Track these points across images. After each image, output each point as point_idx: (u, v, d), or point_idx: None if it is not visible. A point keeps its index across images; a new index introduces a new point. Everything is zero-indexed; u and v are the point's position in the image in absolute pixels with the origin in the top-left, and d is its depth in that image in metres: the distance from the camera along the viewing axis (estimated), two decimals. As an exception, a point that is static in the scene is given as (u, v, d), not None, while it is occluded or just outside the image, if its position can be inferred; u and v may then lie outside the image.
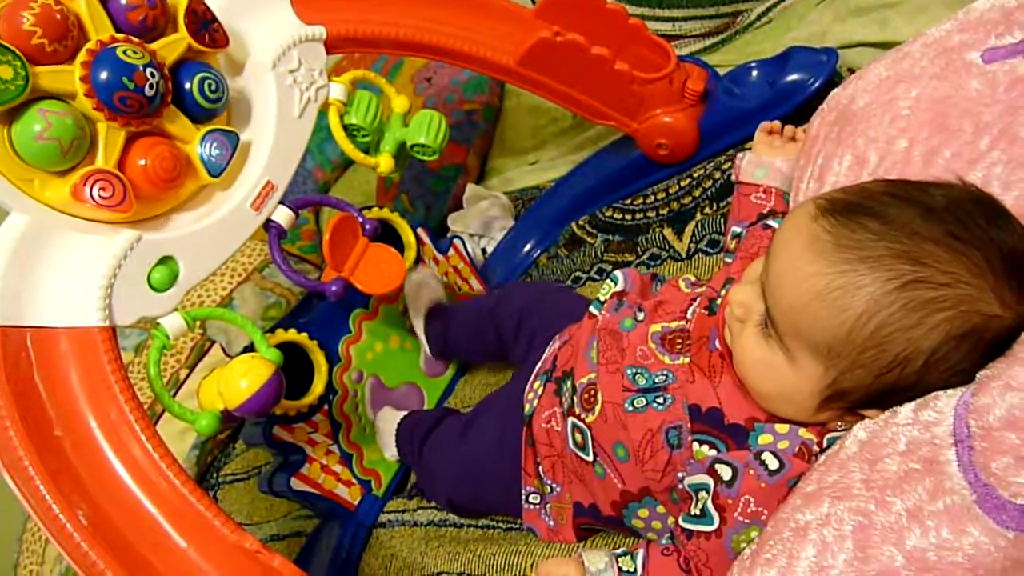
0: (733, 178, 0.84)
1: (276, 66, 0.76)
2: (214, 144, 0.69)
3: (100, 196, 0.63)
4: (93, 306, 0.62)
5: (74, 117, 0.62)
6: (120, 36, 0.63)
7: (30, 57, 0.59)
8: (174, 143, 0.68)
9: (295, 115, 0.78)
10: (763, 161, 0.81)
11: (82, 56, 0.61)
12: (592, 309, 0.76)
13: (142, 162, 0.66)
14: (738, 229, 0.80)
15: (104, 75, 0.62)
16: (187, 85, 0.68)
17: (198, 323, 0.70)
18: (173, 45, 0.68)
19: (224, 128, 0.70)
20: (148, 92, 0.64)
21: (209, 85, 0.69)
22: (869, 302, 0.50)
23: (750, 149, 0.89)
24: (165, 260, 0.67)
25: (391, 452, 0.94)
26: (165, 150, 0.67)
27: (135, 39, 0.64)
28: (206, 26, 0.70)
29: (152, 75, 0.63)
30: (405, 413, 0.95)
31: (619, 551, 0.65)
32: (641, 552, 0.63)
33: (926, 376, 0.51)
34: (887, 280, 0.50)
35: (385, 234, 0.96)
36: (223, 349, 1.29)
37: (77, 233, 0.64)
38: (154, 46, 0.66)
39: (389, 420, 0.94)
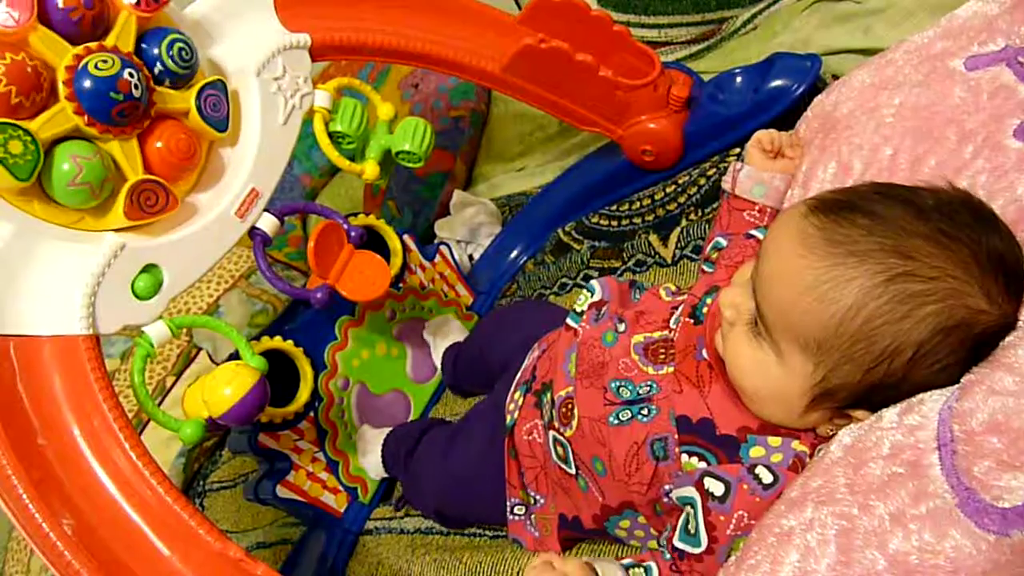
0: (727, 187, 0.80)
1: (260, 73, 0.76)
2: (209, 102, 0.70)
3: (148, 207, 0.65)
4: (77, 314, 0.62)
5: (100, 156, 0.64)
6: (79, 50, 0.62)
7: (14, 115, 0.59)
8: (177, 120, 0.69)
9: (280, 122, 0.77)
10: (762, 178, 0.77)
11: (63, 91, 0.61)
12: (570, 321, 0.75)
13: (159, 144, 0.67)
14: (722, 241, 0.77)
15: (93, 100, 0.62)
16: (156, 51, 0.67)
17: (184, 330, 0.70)
18: (125, 28, 0.66)
19: (207, 81, 0.70)
20: (136, 93, 0.64)
21: (181, 52, 0.68)
22: (858, 295, 0.50)
23: (738, 156, 0.90)
24: (149, 268, 0.67)
25: (376, 471, 0.94)
26: (176, 129, 0.68)
27: (93, 46, 0.63)
28: None
29: (131, 75, 0.63)
30: (387, 430, 0.95)
31: (627, 561, 0.63)
32: (651, 563, 0.61)
33: (914, 371, 0.51)
34: (876, 273, 0.50)
35: (372, 241, 0.95)
36: (209, 356, 1.28)
37: (61, 241, 0.64)
38: (110, 40, 0.65)
39: (370, 440, 0.94)
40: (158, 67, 0.68)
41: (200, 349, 1.31)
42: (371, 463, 0.94)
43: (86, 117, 0.62)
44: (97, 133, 0.64)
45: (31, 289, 0.62)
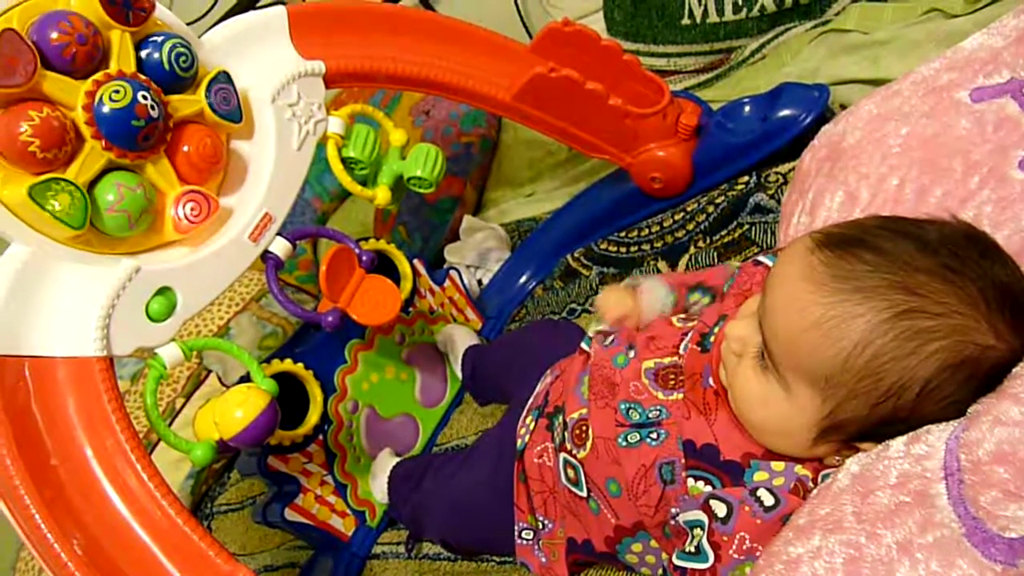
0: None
1: (276, 100, 0.77)
2: (218, 96, 0.71)
3: (192, 215, 0.68)
4: (91, 336, 0.63)
5: (144, 188, 0.66)
6: (88, 85, 0.63)
7: (49, 168, 0.61)
8: (199, 124, 0.70)
9: (294, 148, 0.79)
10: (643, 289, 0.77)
11: (87, 131, 0.63)
12: (583, 345, 0.76)
13: (186, 149, 0.69)
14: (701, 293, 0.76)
15: (117, 132, 0.63)
16: (157, 57, 0.67)
17: (195, 353, 0.71)
18: (123, 49, 0.66)
19: (212, 76, 0.71)
20: (154, 113, 0.65)
21: (180, 57, 0.68)
22: (864, 331, 0.50)
23: (746, 184, 0.91)
24: (163, 291, 0.68)
25: (381, 495, 0.95)
26: (200, 133, 0.70)
27: (100, 76, 0.64)
28: (128, 5, 0.66)
29: (145, 97, 0.64)
30: (399, 459, 0.95)
31: None
32: None
33: (921, 407, 0.51)
34: (882, 310, 0.50)
35: (382, 265, 0.96)
36: (219, 379, 1.29)
37: (77, 264, 0.65)
38: (113, 67, 0.65)
39: (386, 463, 0.95)
40: (163, 75, 0.68)
41: (210, 372, 1.32)
42: (379, 486, 0.94)
43: (116, 150, 0.64)
44: (130, 162, 0.65)
45: (47, 311, 0.63)
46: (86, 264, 0.65)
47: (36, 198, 0.59)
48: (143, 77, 0.66)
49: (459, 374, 1.04)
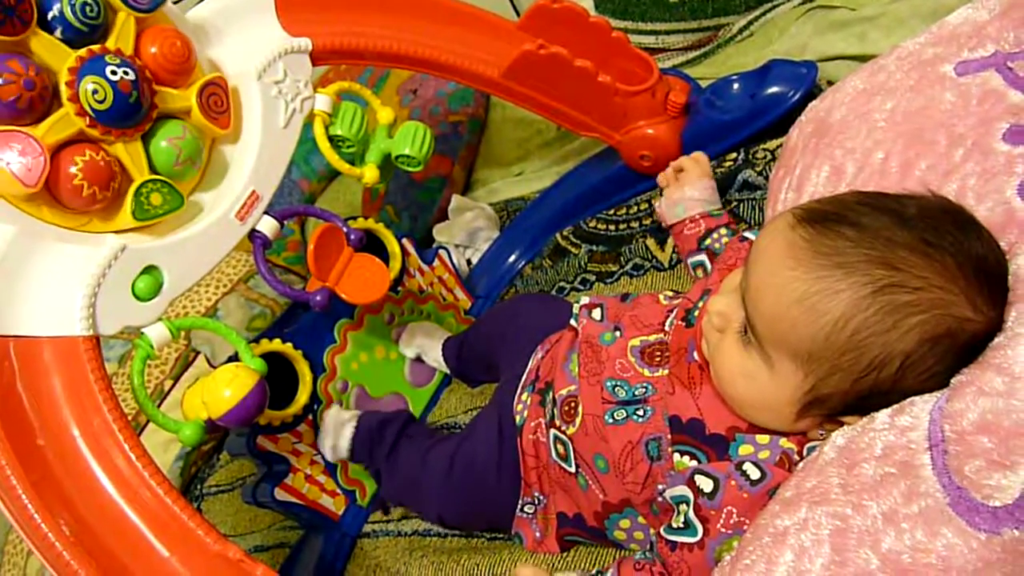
0: (662, 222, 0.90)
1: (262, 77, 0.77)
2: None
3: (215, 107, 0.70)
4: (77, 315, 0.62)
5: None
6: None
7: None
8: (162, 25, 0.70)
9: (280, 126, 0.78)
10: (675, 199, 0.87)
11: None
12: (571, 322, 0.77)
13: (153, 50, 0.68)
14: (693, 260, 0.83)
15: (119, 111, 0.64)
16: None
17: (183, 333, 0.70)
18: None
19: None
20: (130, 76, 0.64)
21: (84, 7, 0.64)
22: (846, 306, 0.51)
23: (734, 160, 0.91)
24: (150, 269, 0.67)
25: (336, 453, 0.91)
26: (167, 34, 0.69)
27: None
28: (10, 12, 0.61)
29: (127, 73, 0.64)
30: (356, 415, 0.92)
31: (593, 572, 0.66)
32: (611, 569, 0.63)
33: (902, 380, 0.51)
34: (863, 285, 0.51)
35: (370, 245, 0.96)
36: (208, 359, 1.29)
37: (62, 243, 0.64)
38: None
39: (337, 425, 0.91)
40: (59, 27, 0.63)
41: (198, 353, 1.32)
42: (333, 445, 0.91)
43: (88, 119, 0.63)
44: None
45: (32, 290, 0.62)
46: (71, 243, 0.65)
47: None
48: (137, 61, 0.66)
49: (443, 368, 1.03)
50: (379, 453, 0.88)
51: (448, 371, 1.03)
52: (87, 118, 0.63)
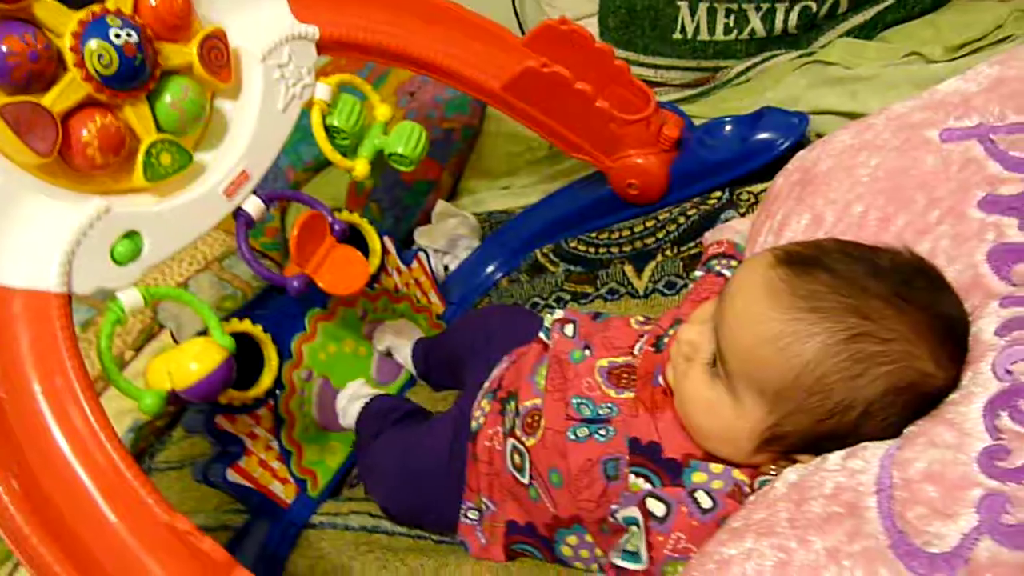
0: (703, 242, 0.91)
1: (266, 59, 0.77)
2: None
3: (216, 60, 0.70)
4: (53, 271, 0.62)
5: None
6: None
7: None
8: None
9: (279, 109, 0.78)
10: (733, 226, 0.89)
11: (71, 59, 0.62)
12: (541, 335, 0.77)
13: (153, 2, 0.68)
14: (697, 274, 0.84)
15: (126, 74, 0.64)
16: None
17: (152, 304, 0.70)
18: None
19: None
20: (133, 37, 0.64)
21: None
22: (818, 350, 0.52)
23: (718, 199, 0.93)
24: (131, 234, 0.67)
25: (348, 420, 0.95)
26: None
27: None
28: None
29: (130, 35, 0.64)
30: (373, 395, 0.96)
31: None
32: None
33: (862, 426, 0.53)
34: (836, 331, 0.52)
35: (351, 238, 0.96)
36: (172, 335, 1.27)
37: (46, 197, 0.63)
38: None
39: (357, 397, 0.96)
40: None
41: (163, 327, 1.31)
42: (347, 412, 0.96)
43: (95, 84, 0.63)
44: (106, 99, 0.64)
45: (9, 240, 0.61)
46: (55, 199, 0.64)
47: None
48: (138, 19, 0.66)
49: (410, 368, 1.04)
50: (371, 432, 0.90)
51: (414, 372, 1.04)
52: (94, 83, 0.63)
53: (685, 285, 0.93)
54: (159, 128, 0.69)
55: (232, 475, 0.88)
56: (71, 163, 0.64)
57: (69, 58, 0.62)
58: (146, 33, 0.66)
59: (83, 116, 0.63)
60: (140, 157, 0.66)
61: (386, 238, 1.05)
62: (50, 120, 0.61)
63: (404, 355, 1.02)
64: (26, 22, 0.60)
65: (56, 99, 0.61)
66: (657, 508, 0.58)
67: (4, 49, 0.58)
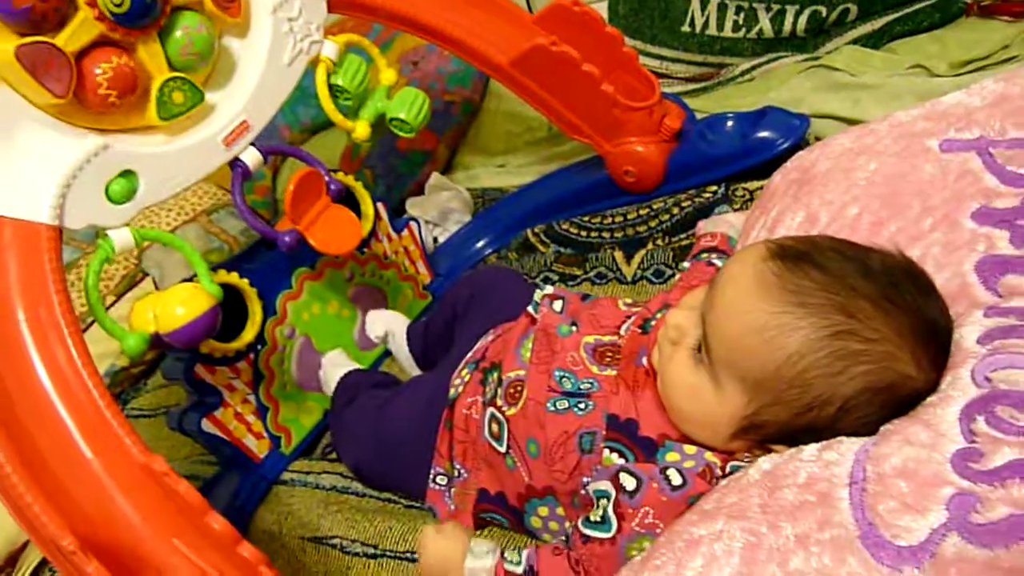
0: (696, 232, 0.90)
1: (276, 11, 0.77)
2: None
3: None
4: (46, 203, 0.62)
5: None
6: None
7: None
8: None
9: (284, 62, 0.78)
10: (727, 219, 0.89)
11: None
12: (530, 309, 0.78)
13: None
14: (686, 264, 0.84)
15: (138, 11, 0.63)
16: None
17: (134, 252, 0.70)
18: None
19: None
20: None
21: None
22: (802, 344, 0.53)
23: (713, 194, 0.93)
24: (127, 174, 0.67)
25: (328, 388, 0.97)
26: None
27: None
28: None
29: None
30: (353, 368, 0.96)
31: (507, 548, 0.67)
32: (528, 550, 0.64)
33: (838, 421, 0.54)
34: (821, 327, 0.53)
35: (344, 201, 0.96)
36: (155, 283, 1.27)
37: (45, 128, 0.63)
38: None
39: (338, 365, 0.96)
40: None
41: (146, 275, 1.30)
42: (326, 380, 0.97)
43: (108, 23, 0.62)
44: (120, 38, 0.64)
45: (5, 169, 0.61)
46: (55, 131, 0.64)
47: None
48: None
49: (405, 354, 1.01)
50: (344, 399, 0.91)
51: (409, 357, 1.01)
52: (107, 22, 0.62)
53: (673, 275, 0.94)
54: (171, 66, 0.68)
55: (207, 425, 0.88)
56: (84, 103, 0.64)
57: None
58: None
59: (96, 56, 0.63)
60: (153, 95, 0.66)
61: (379, 204, 1.04)
62: (65, 61, 0.60)
63: (400, 341, 1.01)
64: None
65: (69, 39, 0.61)
66: (628, 482, 0.59)
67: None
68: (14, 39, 0.59)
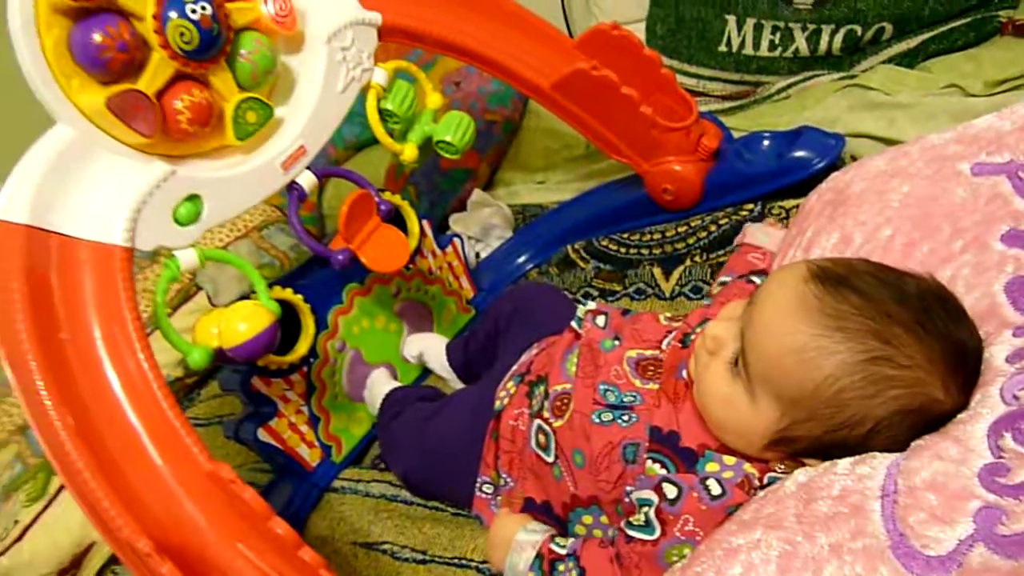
0: (736, 242, 0.92)
1: (331, 41, 0.81)
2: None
3: (279, 12, 0.73)
4: (120, 226, 0.65)
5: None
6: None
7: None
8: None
9: (338, 89, 0.82)
10: (769, 232, 0.90)
11: (155, 41, 0.65)
12: (573, 324, 0.81)
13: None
14: (726, 279, 0.86)
15: (206, 46, 0.68)
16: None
17: (203, 265, 0.74)
18: None
19: None
20: (214, 25, 0.68)
21: None
22: (838, 367, 0.56)
23: (750, 212, 0.95)
24: (192, 198, 0.71)
25: (373, 408, 1.00)
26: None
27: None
28: None
29: (205, 8, 0.67)
30: (397, 385, 1.00)
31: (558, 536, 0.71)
32: (575, 540, 0.69)
33: (869, 439, 0.57)
34: (858, 352, 0.55)
35: (392, 218, 1.00)
36: (209, 298, 1.32)
37: (117, 156, 0.67)
38: None
39: (382, 383, 1.00)
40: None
41: (199, 289, 1.35)
42: (371, 400, 1.01)
43: (180, 60, 0.67)
44: (192, 71, 0.68)
45: (81, 194, 0.65)
46: (126, 157, 0.68)
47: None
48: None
49: (446, 369, 1.04)
50: (391, 413, 0.94)
51: (450, 372, 1.04)
52: (180, 59, 0.67)
53: (711, 291, 0.96)
54: (240, 87, 0.73)
55: (263, 435, 0.92)
56: (167, 135, 0.68)
57: (153, 40, 0.66)
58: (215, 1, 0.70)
59: (175, 91, 0.68)
60: (228, 116, 0.71)
61: (424, 221, 1.08)
62: (150, 104, 0.65)
63: (438, 359, 1.04)
64: (109, 12, 0.64)
65: (150, 82, 0.66)
66: (670, 491, 0.62)
67: (96, 43, 0.62)
68: (100, 89, 0.64)
